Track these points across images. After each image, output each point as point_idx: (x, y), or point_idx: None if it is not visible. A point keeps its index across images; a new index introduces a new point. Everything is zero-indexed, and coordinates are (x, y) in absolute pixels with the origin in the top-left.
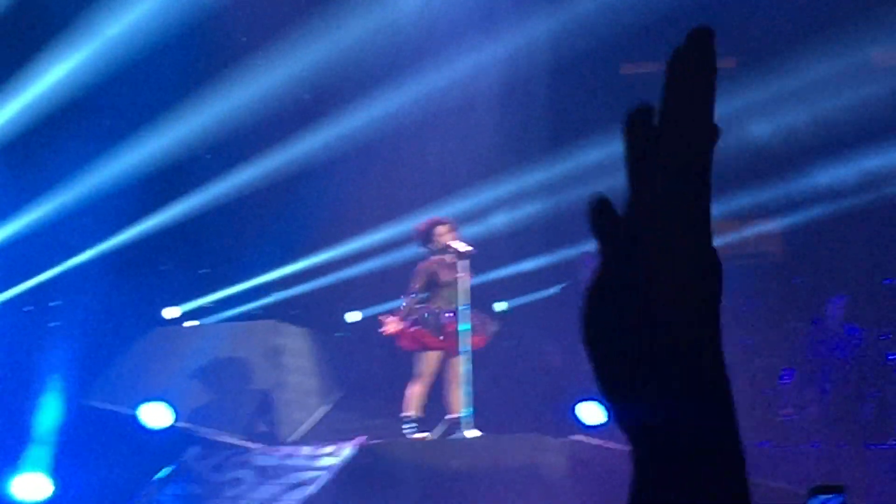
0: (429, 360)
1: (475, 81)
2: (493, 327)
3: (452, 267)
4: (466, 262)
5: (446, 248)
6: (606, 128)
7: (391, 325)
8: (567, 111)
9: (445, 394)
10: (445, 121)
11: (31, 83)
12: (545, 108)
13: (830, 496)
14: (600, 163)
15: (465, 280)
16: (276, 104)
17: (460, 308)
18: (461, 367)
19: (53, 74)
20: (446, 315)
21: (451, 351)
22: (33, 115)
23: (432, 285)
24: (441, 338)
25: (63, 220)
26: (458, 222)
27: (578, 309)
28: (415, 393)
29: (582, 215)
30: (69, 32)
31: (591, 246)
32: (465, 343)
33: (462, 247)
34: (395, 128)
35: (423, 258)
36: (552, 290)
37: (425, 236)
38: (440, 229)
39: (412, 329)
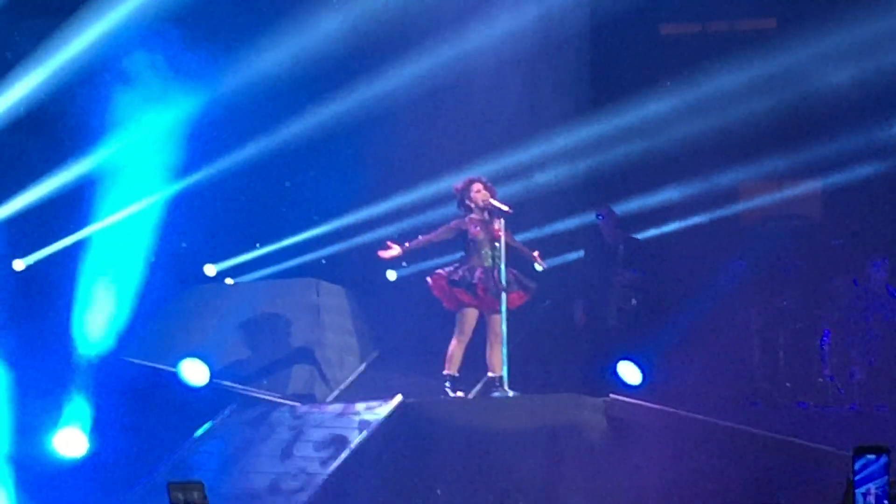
0: (466, 319)
1: (514, 40)
2: (531, 284)
3: (486, 225)
4: (502, 222)
5: (483, 207)
6: (645, 88)
7: (391, 251)
8: (606, 71)
9: (487, 352)
10: (484, 80)
11: (75, 38)
12: (584, 68)
13: (875, 456)
14: (639, 123)
15: (502, 239)
16: (316, 60)
17: (498, 266)
18: (501, 325)
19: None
20: (482, 273)
21: (489, 309)
22: (75, 71)
23: (467, 244)
24: (476, 295)
25: (104, 175)
26: (495, 182)
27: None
28: (452, 351)
29: (619, 175)
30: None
31: (635, 196)
32: (504, 302)
33: (500, 206)
34: (433, 86)
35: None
36: (579, 253)
37: (462, 194)
38: (476, 186)
39: (449, 286)
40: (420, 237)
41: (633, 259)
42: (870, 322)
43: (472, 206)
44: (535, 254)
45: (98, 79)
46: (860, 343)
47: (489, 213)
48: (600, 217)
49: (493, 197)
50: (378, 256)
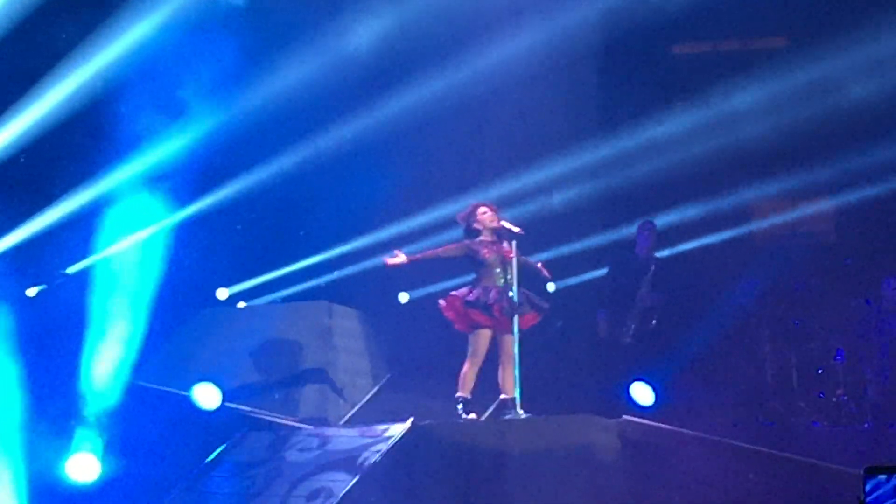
0: (479, 340)
1: (527, 61)
2: (544, 305)
3: (496, 247)
4: (514, 243)
5: (492, 229)
6: (658, 108)
7: (396, 259)
8: (619, 91)
9: (499, 374)
10: (495, 102)
11: (92, 55)
12: (596, 88)
13: (886, 477)
14: (651, 143)
15: (513, 260)
16: (328, 83)
17: (511, 287)
18: (513, 347)
19: (113, 48)
20: (496, 294)
21: (502, 330)
22: (91, 90)
23: (477, 265)
24: (492, 316)
25: (115, 199)
26: (510, 202)
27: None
28: (465, 373)
29: (632, 195)
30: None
31: (648, 216)
32: (516, 323)
33: (511, 227)
34: (445, 109)
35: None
36: (602, 270)
37: (468, 220)
38: (481, 209)
39: (464, 308)
40: (428, 250)
41: (662, 282)
42: (883, 341)
43: (480, 228)
44: (539, 265)
45: (106, 105)
46: (874, 362)
47: (498, 235)
48: (643, 231)
49: (498, 219)
50: (384, 264)
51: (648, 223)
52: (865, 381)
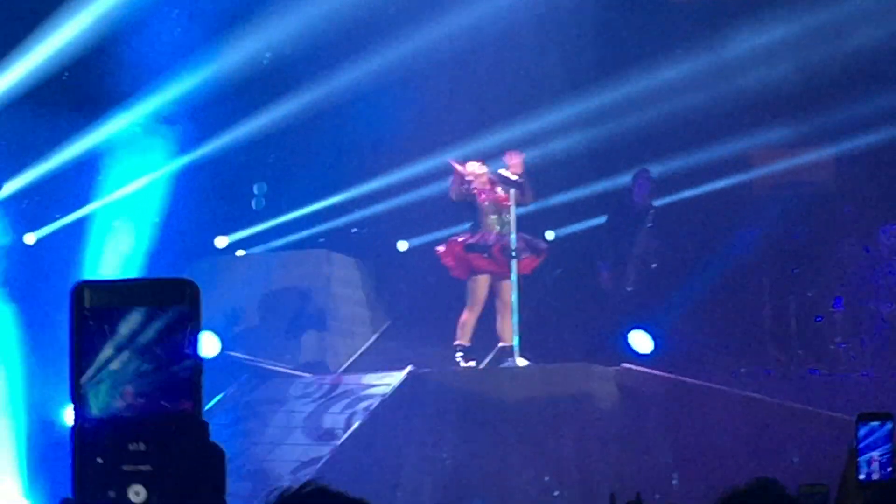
0: (477, 287)
1: (524, 8)
2: (542, 245)
3: (492, 194)
4: (511, 192)
5: (484, 181)
6: (656, 55)
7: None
8: (616, 37)
9: (497, 322)
10: (495, 48)
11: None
12: (594, 35)
13: (880, 423)
14: (649, 90)
15: (511, 207)
16: (325, 28)
17: (508, 234)
18: (511, 294)
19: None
20: (495, 237)
21: (501, 275)
22: (89, 39)
23: (474, 211)
24: (493, 257)
25: (114, 148)
26: (503, 151)
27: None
28: (464, 321)
29: (630, 142)
30: None
31: (646, 164)
32: (515, 268)
33: (508, 175)
34: (442, 55)
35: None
36: (600, 219)
37: (464, 193)
38: (468, 172)
39: (465, 251)
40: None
41: (660, 230)
42: (881, 288)
43: (474, 181)
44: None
45: (106, 52)
46: (872, 309)
47: (492, 183)
48: (639, 179)
49: (486, 173)
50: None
51: (644, 171)
52: (863, 328)
